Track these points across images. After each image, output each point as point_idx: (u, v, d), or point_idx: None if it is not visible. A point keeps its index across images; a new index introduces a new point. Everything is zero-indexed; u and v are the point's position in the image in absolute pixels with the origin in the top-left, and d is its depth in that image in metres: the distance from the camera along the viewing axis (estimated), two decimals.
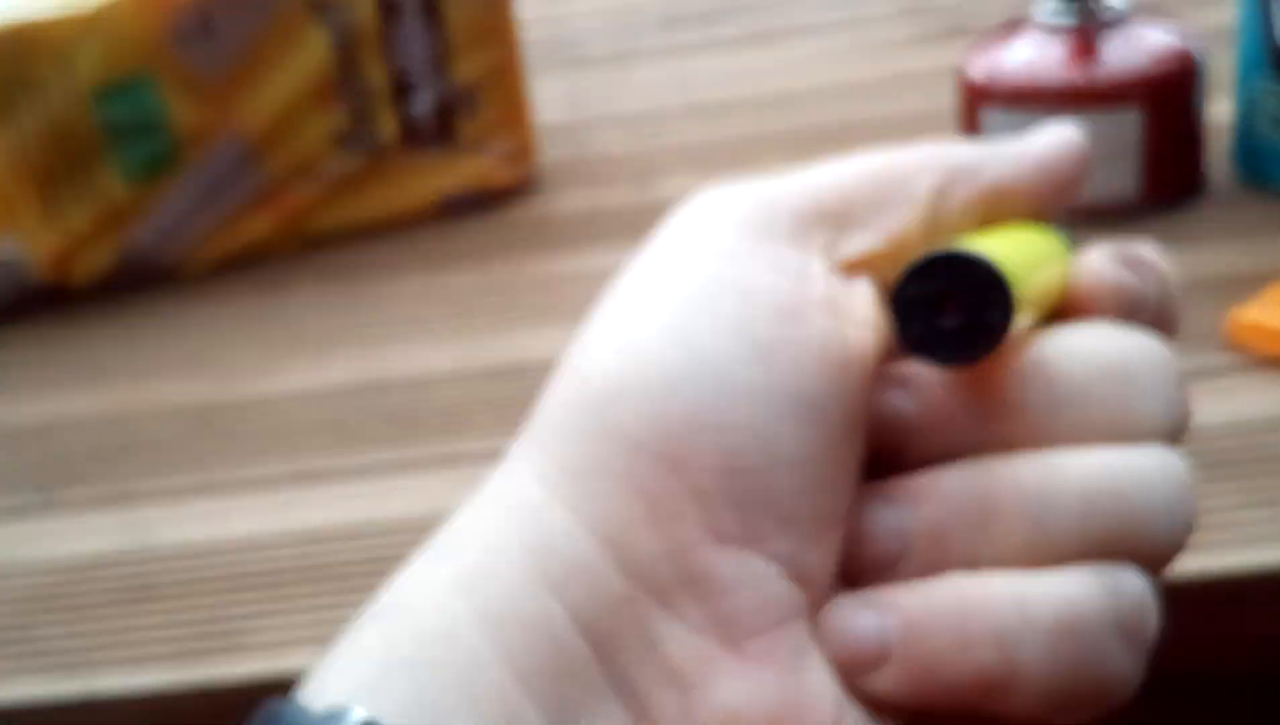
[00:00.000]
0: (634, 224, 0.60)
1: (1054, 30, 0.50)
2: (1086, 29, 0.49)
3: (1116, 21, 0.50)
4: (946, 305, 0.20)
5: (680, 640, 0.20)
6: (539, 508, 0.21)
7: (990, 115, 0.50)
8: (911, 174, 0.24)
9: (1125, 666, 0.21)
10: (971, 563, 0.21)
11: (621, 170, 0.64)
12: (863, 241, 0.23)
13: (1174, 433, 0.23)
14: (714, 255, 0.22)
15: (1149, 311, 0.24)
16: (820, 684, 0.20)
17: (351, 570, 0.37)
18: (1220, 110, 0.52)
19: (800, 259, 0.22)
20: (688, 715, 0.20)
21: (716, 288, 0.22)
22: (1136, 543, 0.21)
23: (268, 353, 0.51)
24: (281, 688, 0.22)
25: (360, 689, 0.19)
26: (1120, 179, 0.49)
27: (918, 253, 0.21)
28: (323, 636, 0.21)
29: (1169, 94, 0.49)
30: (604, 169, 0.65)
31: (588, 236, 0.58)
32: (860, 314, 0.22)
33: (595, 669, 0.20)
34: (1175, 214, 0.50)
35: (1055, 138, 0.25)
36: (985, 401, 0.22)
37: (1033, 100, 0.49)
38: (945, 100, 0.58)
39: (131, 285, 0.59)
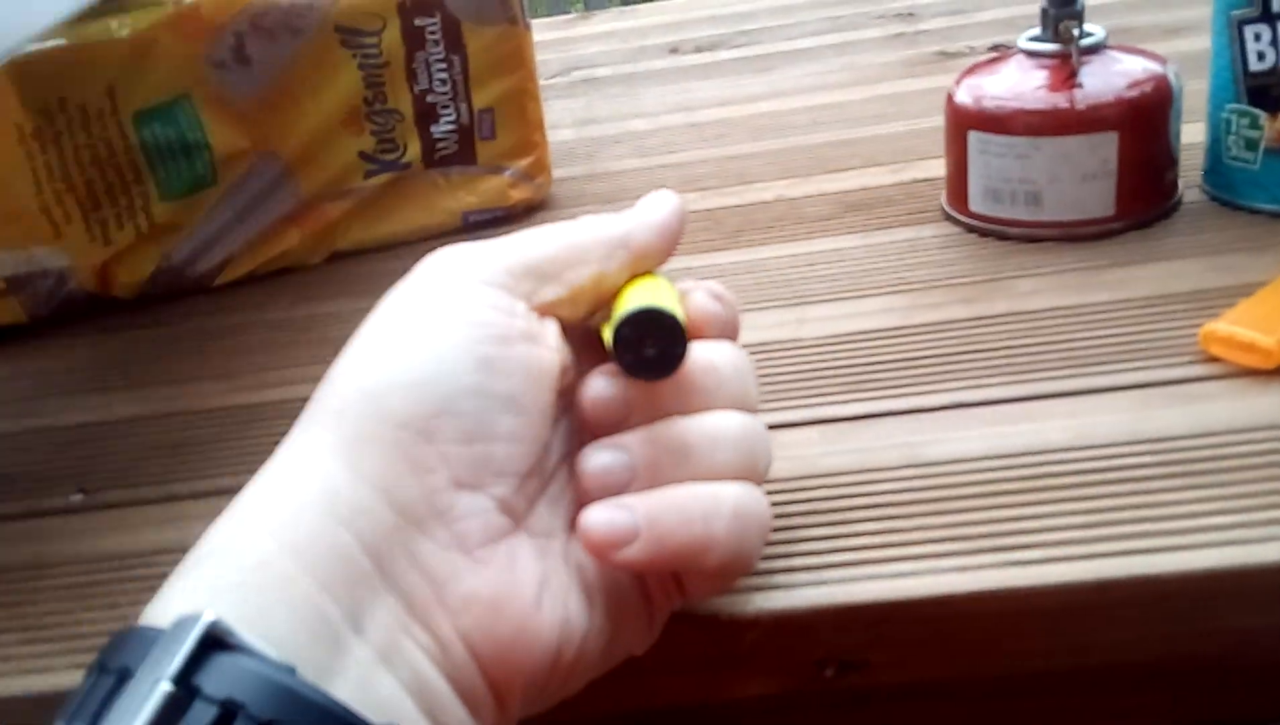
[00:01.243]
0: None
1: (1036, 57, 0.50)
2: (1066, 56, 0.49)
3: (1095, 49, 0.49)
4: (645, 341, 0.29)
5: (432, 553, 0.27)
6: (330, 470, 0.27)
7: (976, 138, 0.50)
8: (588, 244, 0.32)
9: (758, 546, 0.30)
10: (674, 482, 0.29)
11: (629, 187, 0.64)
12: (553, 292, 0.31)
13: (756, 407, 0.32)
14: (452, 297, 0.30)
15: (729, 329, 0.33)
16: (526, 573, 0.28)
17: None
18: (1193, 133, 0.51)
19: (510, 302, 0.30)
20: (440, 601, 0.27)
21: (453, 319, 0.29)
22: (755, 468, 0.31)
23: (298, 358, 0.51)
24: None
25: (197, 607, 0.23)
26: (1098, 198, 0.49)
27: (621, 305, 0.30)
28: None
29: (1144, 118, 0.48)
30: (613, 186, 0.65)
31: None
32: (551, 342, 0.30)
33: (376, 576, 0.26)
34: (1149, 231, 0.49)
35: (667, 207, 0.34)
36: (677, 387, 0.31)
37: (1016, 124, 0.49)
38: (932, 123, 0.58)
39: (169, 294, 0.58)
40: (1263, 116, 0.48)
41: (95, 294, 0.58)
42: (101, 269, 0.57)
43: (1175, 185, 0.51)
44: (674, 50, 0.89)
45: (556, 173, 0.65)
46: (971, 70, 0.52)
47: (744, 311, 0.48)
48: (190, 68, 0.56)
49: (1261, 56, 0.47)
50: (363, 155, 0.59)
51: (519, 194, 0.62)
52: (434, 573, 0.27)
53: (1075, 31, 0.48)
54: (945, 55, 0.77)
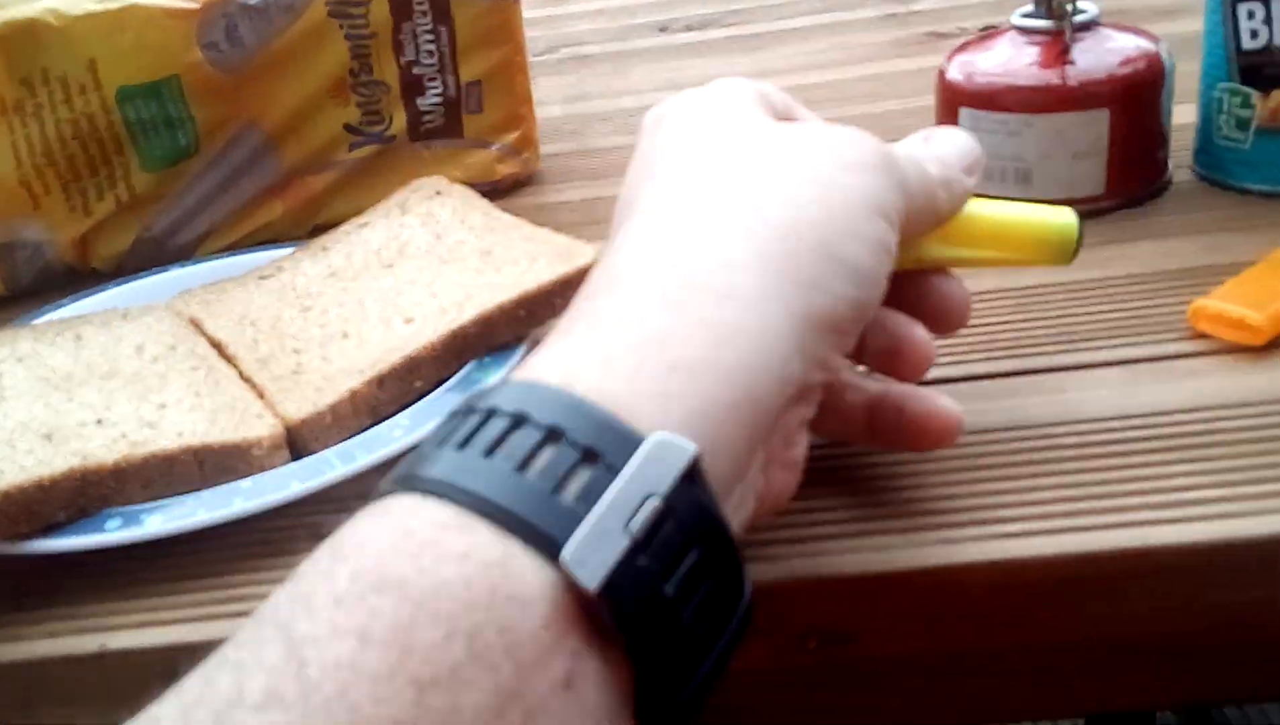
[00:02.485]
0: None
1: (1029, 34, 0.50)
2: (1059, 33, 0.49)
3: (1088, 26, 0.49)
4: None
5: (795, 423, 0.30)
6: (784, 339, 0.28)
7: (968, 115, 0.50)
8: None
9: None
10: None
11: (617, 164, 0.63)
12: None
13: None
14: (878, 230, 0.30)
15: None
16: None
17: None
18: (1184, 112, 0.51)
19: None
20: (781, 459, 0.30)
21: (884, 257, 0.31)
22: None
23: None
24: None
25: (671, 421, 0.25)
26: (1089, 176, 0.48)
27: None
28: None
29: (1136, 96, 0.48)
30: (601, 163, 0.64)
31: (582, 226, 0.57)
32: None
33: (760, 443, 0.28)
34: (1140, 210, 0.49)
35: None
36: None
37: (1008, 101, 0.48)
38: (924, 101, 0.58)
39: (149, 266, 0.58)
40: (1254, 95, 0.48)
41: (73, 266, 0.57)
42: (80, 241, 0.57)
43: (1165, 165, 0.51)
44: (663, 29, 0.89)
45: (544, 149, 0.64)
46: (964, 47, 0.52)
47: None
48: (179, 48, 0.54)
49: (1255, 35, 0.47)
50: (348, 127, 0.59)
51: (506, 168, 0.62)
52: (791, 440, 0.29)
53: (1069, 8, 0.48)
54: (936, 35, 0.77)
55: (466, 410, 0.25)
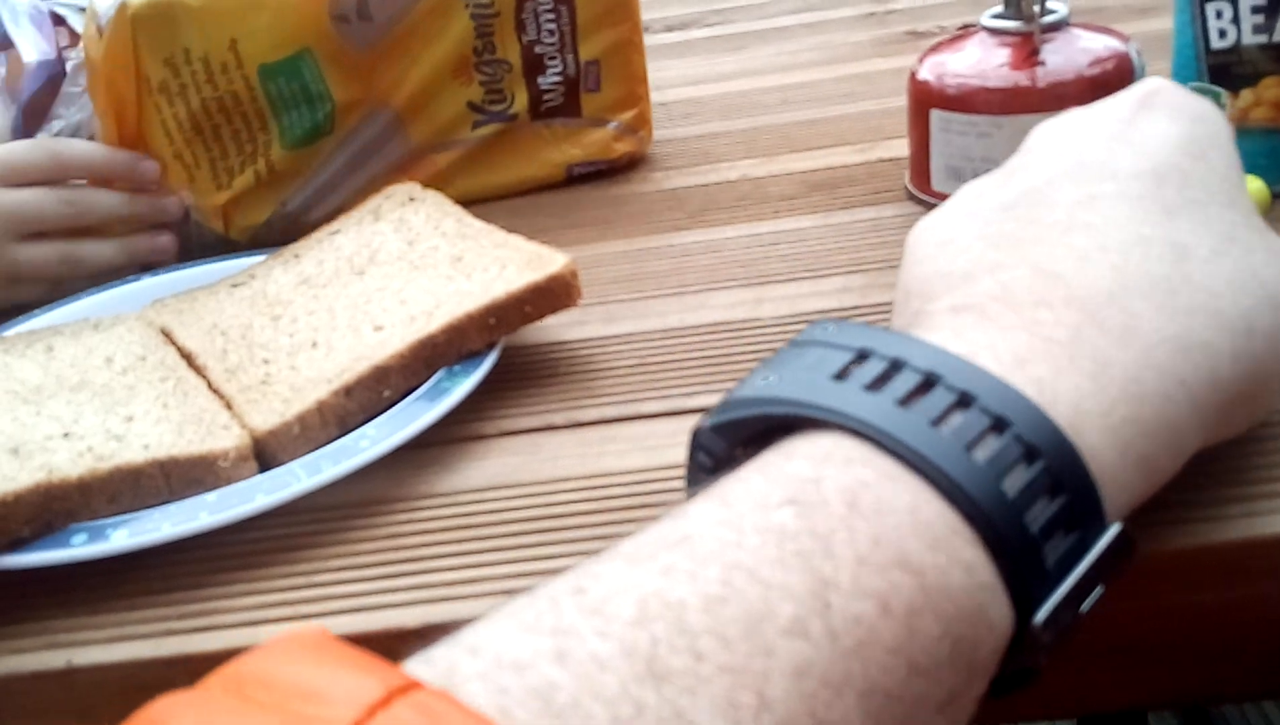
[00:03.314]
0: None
1: (998, 35, 0.49)
2: (1028, 35, 0.48)
3: (1058, 26, 0.49)
4: None
5: None
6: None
7: (938, 117, 0.49)
8: None
9: None
10: None
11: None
12: None
13: None
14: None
15: None
16: None
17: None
18: None
19: None
20: None
21: None
22: None
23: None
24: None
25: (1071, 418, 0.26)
26: None
27: None
28: None
29: (1106, 95, 0.48)
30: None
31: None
32: None
33: None
34: None
35: None
36: None
37: (978, 103, 0.48)
38: (900, 102, 0.57)
39: (282, 239, 0.56)
40: (1224, 95, 0.47)
41: (220, 236, 0.58)
42: (222, 211, 0.57)
43: None
44: (645, 29, 0.88)
45: None
46: (935, 49, 0.51)
47: (703, 292, 0.48)
48: (312, 23, 0.55)
49: (1223, 34, 0.47)
50: (471, 106, 0.59)
51: (623, 147, 0.61)
52: None
53: (1037, 8, 0.48)
54: (915, 34, 0.77)
55: (931, 378, 0.25)
